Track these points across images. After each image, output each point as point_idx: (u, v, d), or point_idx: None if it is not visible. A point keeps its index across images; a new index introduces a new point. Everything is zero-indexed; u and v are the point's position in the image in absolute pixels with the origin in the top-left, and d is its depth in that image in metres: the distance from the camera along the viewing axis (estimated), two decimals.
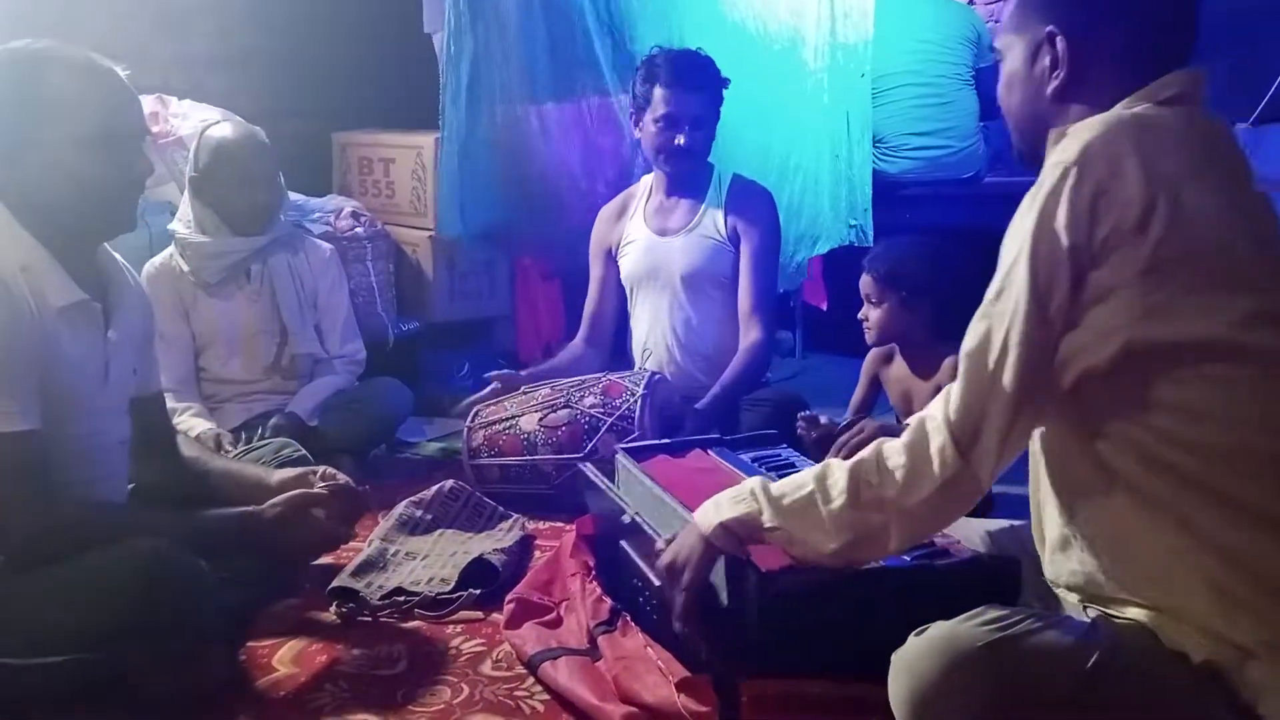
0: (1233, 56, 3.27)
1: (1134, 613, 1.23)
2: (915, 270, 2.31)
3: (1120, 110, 1.23)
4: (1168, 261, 1.15)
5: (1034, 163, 1.31)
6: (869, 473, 1.31)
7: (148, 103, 2.86)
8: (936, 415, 1.28)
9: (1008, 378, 1.21)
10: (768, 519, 1.36)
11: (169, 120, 3.13)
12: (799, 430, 2.31)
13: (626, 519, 1.75)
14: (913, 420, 1.32)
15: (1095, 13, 1.28)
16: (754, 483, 1.41)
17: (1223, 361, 1.15)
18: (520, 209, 3.37)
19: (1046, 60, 1.30)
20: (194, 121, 3.06)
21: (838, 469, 1.34)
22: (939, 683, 1.17)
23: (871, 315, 2.36)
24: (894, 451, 1.30)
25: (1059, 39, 1.29)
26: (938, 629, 1.22)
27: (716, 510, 1.42)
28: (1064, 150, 1.20)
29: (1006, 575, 1.48)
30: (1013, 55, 1.35)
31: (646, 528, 1.68)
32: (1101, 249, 1.16)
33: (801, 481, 1.37)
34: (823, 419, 2.30)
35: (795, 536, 1.35)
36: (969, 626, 1.20)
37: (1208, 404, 1.16)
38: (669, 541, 1.49)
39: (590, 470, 2.03)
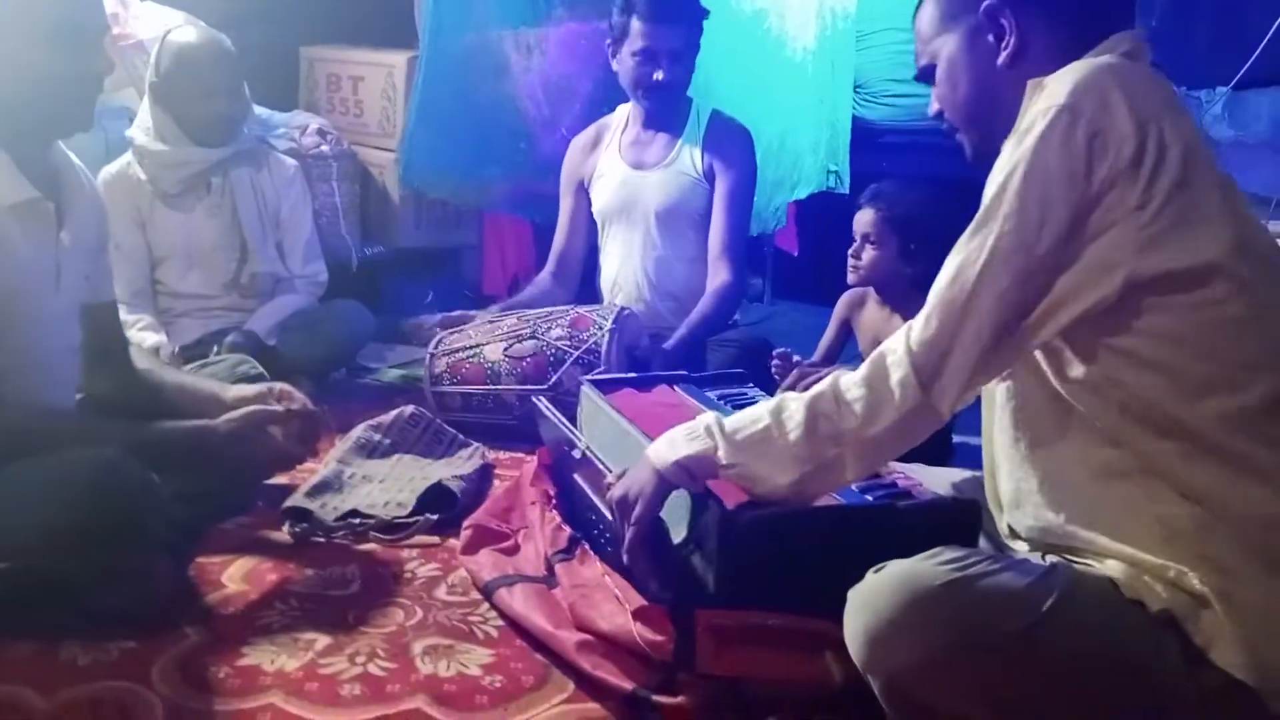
0: (1214, 21, 3.27)
1: (1093, 560, 1.24)
2: (927, 219, 2.26)
3: (1094, 58, 1.23)
4: (1161, 193, 1.15)
5: (989, 151, 1.31)
6: (826, 405, 1.31)
7: (108, 2, 2.74)
8: (897, 348, 1.28)
9: (981, 314, 1.21)
10: (723, 455, 1.37)
11: (130, 22, 3.01)
12: (773, 368, 2.30)
13: (577, 453, 1.74)
14: (872, 354, 1.31)
15: None
16: (708, 418, 1.41)
17: (1215, 288, 1.16)
18: (489, 155, 3.28)
19: (990, 36, 1.31)
20: (156, 24, 2.94)
21: (793, 402, 1.34)
22: (895, 619, 1.17)
23: (865, 255, 2.30)
24: (852, 384, 1.31)
25: (1004, 10, 1.29)
26: (895, 566, 1.22)
27: (671, 447, 1.41)
28: (1051, 94, 1.20)
29: (966, 518, 1.48)
30: (947, 51, 1.35)
31: (597, 462, 1.67)
32: (1100, 188, 1.16)
33: (756, 416, 1.37)
34: (796, 357, 2.29)
35: (751, 471, 1.36)
36: (927, 565, 1.20)
37: (1200, 333, 1.17)
38: (619, 476, 1.49)
39: (543, 403, 2.01)
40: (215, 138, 2.62)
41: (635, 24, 2.62)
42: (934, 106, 1.41)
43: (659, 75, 2.63)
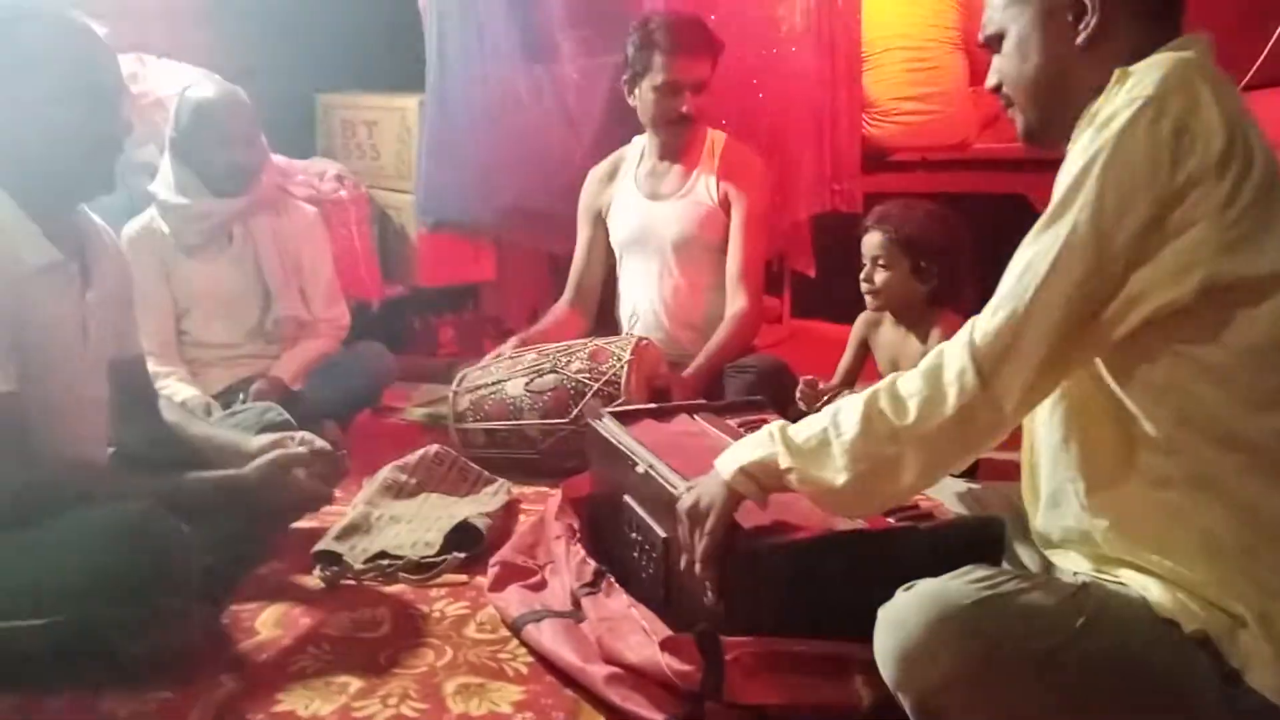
0: (1221, 23, 3.26)
1: (1127, 575, 1.23)
2: (934, 236, 2.26)
3: (1179, 53, 1.21)
4: (1247, 195, 1.13)
5: (1048, 133, 1.29)
6: (883, 402, 1.27)
7: (126, 62, 2.81)
8: (959, 341, 1.23)
9: (1051, 306, 1.17)
10: (783, 460, 1.33)
11: (148, 80, 3.08)
12: (799, 395, 2.30)
13: (640, 470, 1.72)
14: (934, 349, 1.28)
15: None
16: (774, 426, 1.39)
17: None
18: (499, 191, 3.32)
19: (1070, 14, 1.27)
20: (174, 81, 3.01)
21: (850, 402, 1.31)
22: (925, 638, 1.17)
23: (878, 278, 2.29)
24: (909, 379, 1.26)
25: None
26: (926, 585, 1.22)
27: (737, 455, 1.40)
28: (1138, 85, 1.17)
29: (990, 536, 1.48)
30: (1021, 23, 1.31)
31: (660, 479, 1.66)
32: (1184, 185, 1.13)
33: (818, 420, 1.34)
34: (822, 384, 2.29)
35: (808, 474, 1.32)
36: (958, 584, 1.20)
37: (1268, 341, 1.14)
38: (690, 488, 1.47)
39: (598, 424, 2.00)
40: (235, 188, 2.66)
41: (658, 58, 2.64)
42: (992, 79, 1.36)
43: (686, 109, 2.65)
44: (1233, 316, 1.14)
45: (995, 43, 1.35)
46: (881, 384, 1.29)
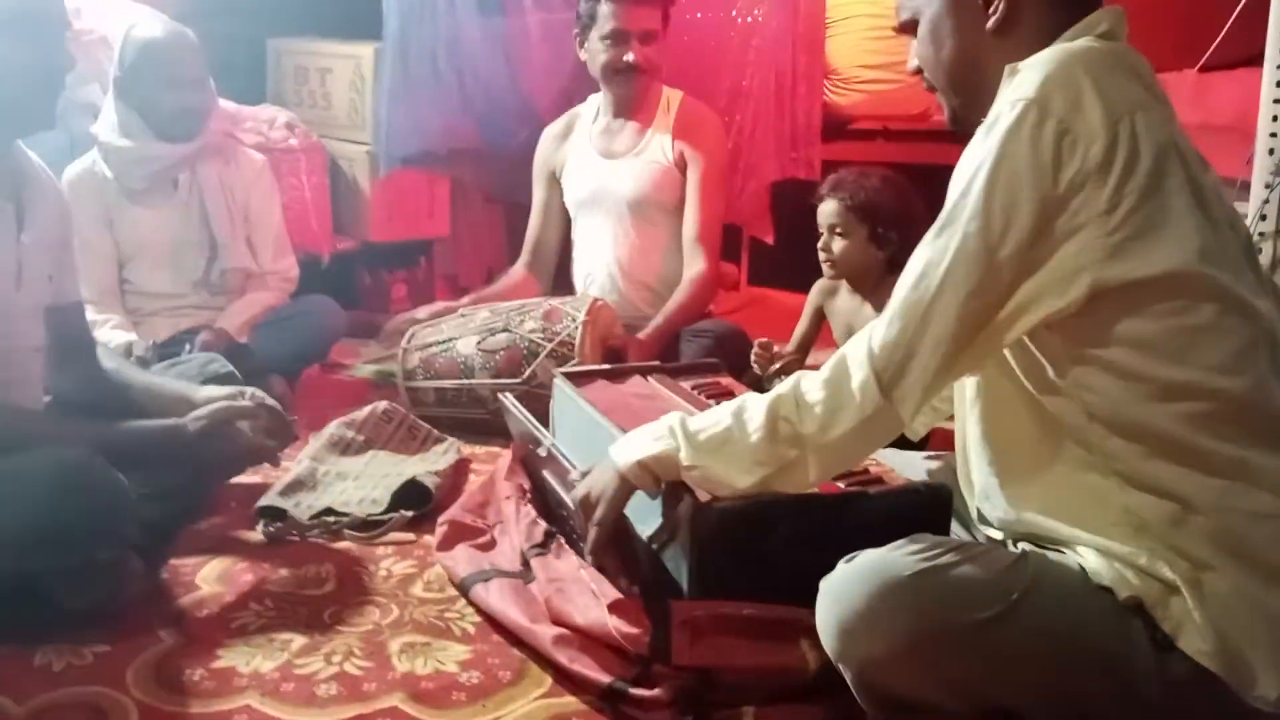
0: (1180, 3, 3.28)
1: (1063, 549, 1.24)
2: (891, 203, 2.26)
3: (1068, 44, 1.21)
4: (1129, 198, 1.13)
5: (971, 118, 1.28)
6: (787, 408, 1.29)
7: None
8: (859, 350, 1.26)
9: (944, 317, 1.19)
10: (685, 457, 1.35)
11: (92, 16, 2.96)
12: (754, 357, 2.30)
13: (542, 451, 1.74)
14: (834, 355, 1.30)
15: None
16: (673, 418, 1.40)
17: (1183, 296, 1.14)
18: (461, 132, 3.28)
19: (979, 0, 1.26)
20: (120, 18, 2.89)
21: (754, 403, 1.33)
22: (865, 610, 1.18)
23: (836, 246, 2.29)
24: (813, 387, 1.28)
25: None
26: (865, 557, 1.22)
27: (634, 446, 1.40)
28: (1020, 86, 1.17)
29: (938, 503, 1.49)
30: (933, 8, 1.30)
31: (562, 459, 1.67)
32: (1066, 191, 1.13)
33: (718, 417, 1.36)
34: (776, 348, 2.29)
35: (711, 473, 1.35)
36: (897, 555, 1.21)
37: (1168, 338, 1.15)
38: (584, 475, 1.48)
39: (509, 399, 2.01)
40: (181, 132, 2.58)
41: (604, 7, 2.62)
42: (912, 62, 1.36)
43: (629, 57, 2.62)
44: (1125, 316, 1.15)
45: (910, 29, 1.35)
46: (784, 387, 1.32)
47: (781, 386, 1.33)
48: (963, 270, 1.18)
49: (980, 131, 1.20)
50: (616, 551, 1.47)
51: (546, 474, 1.78)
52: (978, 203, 1.16)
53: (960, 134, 1.31)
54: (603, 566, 1.50)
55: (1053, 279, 1.15)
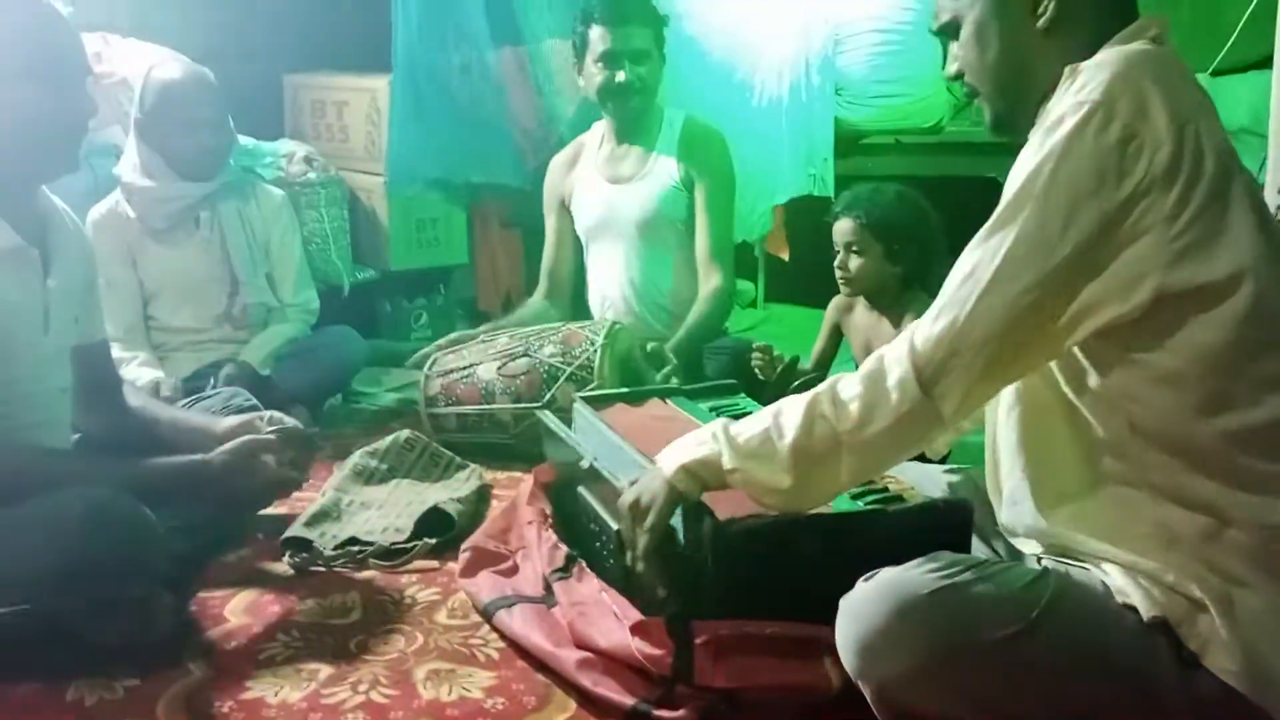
0: (1192, 6, 3.28)
1: (1089, 563, 1.23)
2: (906, 219, 2.25)
3: (1128, 47, 1.19)
4: (1193, 203, 1.12)
5: (1018, 121, 1.27)
6: (823, 405, 1.27)
7: (91, 41, 2.76)
8: (899, 348, 1.24)
9: (992, 316, 1.17)
10: (727, 460, 1.34)
11: (113, 59, 3.03)
12: (753, 363, 2.30)
13: (585, 464, 1.74)
14: (874, 353, 1.29)
15: None
16: (716, 425, 1.39)
17: (1240, 300, 1.12)
18: (472, 158, 3.31)
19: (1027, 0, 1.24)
20: (139, 61, 2.96)
21: (792, 404, 1.32)
22: (883, 628, 1.18)
23: (852, 264, 2.28)
24: (850, 384, 1.27)
25: None
26: (885, 575, 1.22)
27: (680, 453, 1.40)
28: (1085, 88, 1.15)
29: (958, 520, 1.49)
30: (977, 10, 1.28)
31: (605, 473, 1.67)
32: (1131, 195, 1.12)
33: (760, 419, 1.35)
34: (777, 352, 2.29)
35: (751, 476, 1.33)
36: (916, 573, 1.20)
37: (1220, 348, 1.13)
38: (632, 484, 1.48)
39: (548, 417, 2.02)
40: (202, 171, 2.63)
41: (595, 30, 2.65)
42: (952, 67, 1.33)
43: (621, 75, 2.64)
44: (1185, 322, 1.13)
45: (950, 31, 1.32)
46: (823, 385, 1.30)
47: (820, 386, 1.31)
48: (1016, 269, 1.15)
49: (1039, 133, 1.18)
50: (662, 559, 1.46)
51: (582, 490, 1.77)
52: (1037, 201, 1.14)
53: (1003, 141, 1.29)
54: (648, 574, 1.46)
55: (1116, 283, 1.13)
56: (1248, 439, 1.13)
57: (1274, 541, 1.12)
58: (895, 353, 1.24)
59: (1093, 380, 1.18)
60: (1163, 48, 1.21)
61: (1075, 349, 1.19)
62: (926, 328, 1.21)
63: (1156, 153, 1.11)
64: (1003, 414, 1.31)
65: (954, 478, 1.65)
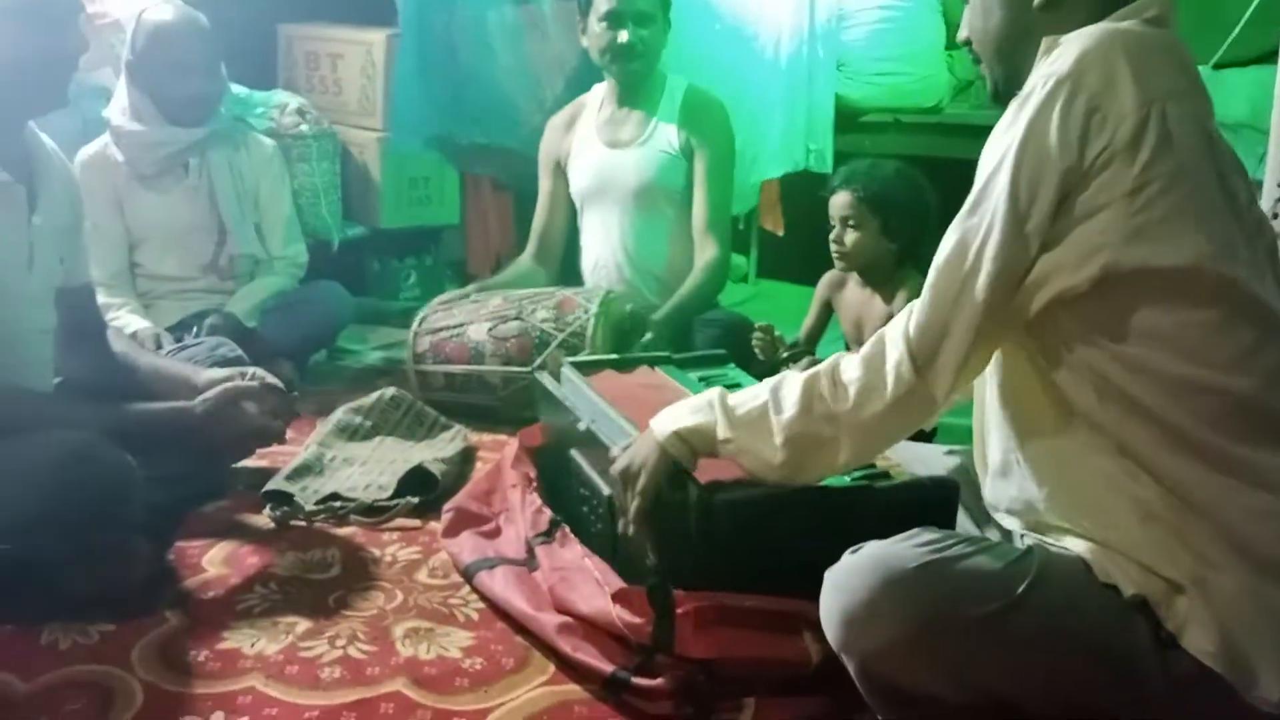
0: (1193, 0, 3.26)
1: (1070, 542, 1.24)
2: (903, 195, 2.24)
3: (1112, 23, 1.19)
4: (1155, 182, 1.12)
5: (1013, 91, 1.25)
6: (823, 385, 1.30)
7: None
8: (896, 330, 1.26)
9: (976, 294, 1.19)
10: (721, 430, 1.35)
11: (106, 1, 2.97)
12: (754, 341, 2.30)
13: (581, 426, 1.73)
14: (874, 335, 1.30)
15: None
16: (713, 393, 1.40)
17: (1196, 291, 1.13)
18: (474, 118, 3.27)
19: None
20: (132, 3, 2.90)
21: (792, 380, 1.33)
22: (869, 601, 1.18)
23: (848, 238, 2.26)
24: (850, 365, 1.29)
25: None
26: (871, 548, 1.22)
27: (674, 419, 1.40)
28: (1056, 61, 1.16)
29: (943, 499, 1.49)
30: None
31: (601, 436, 1.66)
32: (1091, 168, 1.13)
33: (757, 393, 1.36)
34: (777, 332, 2.29)
35: (745, 447, 1.35)
36: (903, 547, 1.21)
37: (1179, 332, 1.14)
38: (624, 448, 1.48)
39: (546, 378, 2.00)
40: (192, 117, 2.59)
41: None
42: (963, 31, 1.36)
43: (624, 36, 2.61)
44: (1136, 306, 1.14)
45: None
46: (823, 365, 1.32)
47: (821, 365, 1.33)
48: (995, 245, 1.17)
49: (1013, 106, 1.19)
50: (652, 523, 1.46)
51: (574, 453, 1.76)
52: (1007, 179, 1.16)
53: (997, 110, 1.29)
54: (638, 538, 1.47)
55: (1069, 255, 1.15)
56: (1219, 420, 1.14)
57: (1244, 524, 1.13)
58: (893, 336, 1.26)
59: (1059, 352, 1.20)
60: (1157, 29, 1.21)
61: (1040, 322, 1.20)
62: (919, 312, 1.24)
63: (1119, 126, 1.12)
64: (989, 386, 1.32)
65: (951, 459, 1.65)
